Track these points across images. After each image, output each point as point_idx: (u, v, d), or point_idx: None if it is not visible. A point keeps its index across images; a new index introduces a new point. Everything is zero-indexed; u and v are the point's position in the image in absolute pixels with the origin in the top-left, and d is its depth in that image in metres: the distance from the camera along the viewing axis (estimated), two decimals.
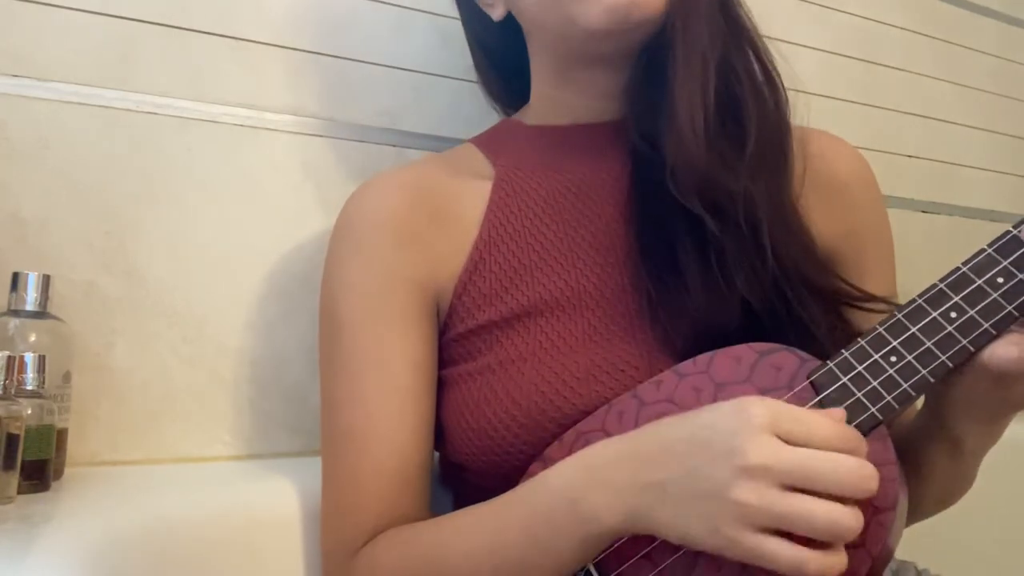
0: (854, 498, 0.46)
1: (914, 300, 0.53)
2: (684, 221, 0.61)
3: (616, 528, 0.51)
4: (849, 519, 0.45)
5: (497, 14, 0.72)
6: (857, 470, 0.46)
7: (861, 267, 0.70)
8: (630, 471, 0.51)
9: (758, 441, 0.46)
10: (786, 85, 0.69)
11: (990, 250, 0.53)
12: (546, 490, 0.55)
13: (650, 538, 0.53)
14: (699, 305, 0.60)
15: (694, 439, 0.49)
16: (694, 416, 0.51)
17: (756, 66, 0.67)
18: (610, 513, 0.51)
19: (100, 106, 0.79)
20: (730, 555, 0.47)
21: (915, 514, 0.64)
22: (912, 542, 0.68)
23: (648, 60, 0.66)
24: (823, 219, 0.68)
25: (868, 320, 0.62)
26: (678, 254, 0.62)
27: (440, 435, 0.67)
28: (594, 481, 0.52)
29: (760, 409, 0.47)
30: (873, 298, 0.63)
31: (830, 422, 0.48)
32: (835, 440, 0.47)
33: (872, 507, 0.49)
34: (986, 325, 0.51)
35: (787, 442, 0.47)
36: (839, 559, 0.46)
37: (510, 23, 0.72)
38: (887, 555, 0.50)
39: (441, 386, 0.67)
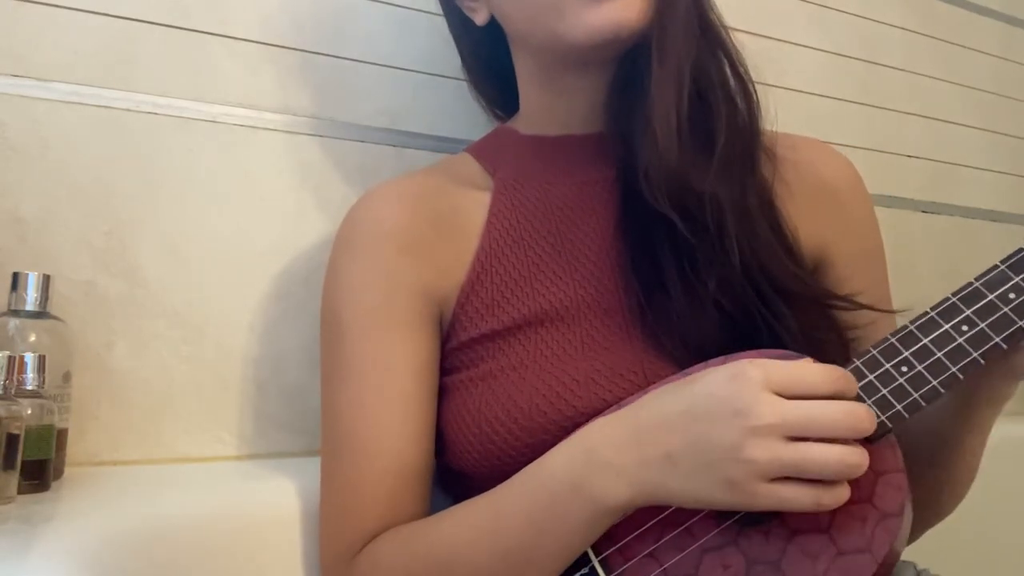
0: (851, 438, 0.49)
1: (927, 312, 0.55)
2: (663, 227, 0.62)
3: (624, 505, 0.53)
4: (854, 456, 0.49)
5: (480, 19, 0.73)
6: (852, 413, 0.49)
7: (851, 272, 0.71)
8: (631, 449, 0.52)
9: (761, 401, 0.49)
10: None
11: (1003, 266, 0.55)
12: (546, 475, 0.56)
13: (655, 536, 0.54)
14: (681, 310, 0.61)
15: (693, 409, 0.51)
16: (685, 387, 0.53)
17: (728, 71, 0.67)
18: (616, 492, 0.52)
19: (100, 106, 0.79)
20: (750, 508, 0.50)
21: (928, 517, 0.66)
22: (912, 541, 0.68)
23: (628, 65, 0.66)
24: (811, 224, 0.68)
25: (855, 321, 0.63)
26: (660, 261, 0.63)
27: (441, 442, 0.67)
28: (595, 463, 0.53)
29: (755, 370, 0.50)
30: (836, 296, 0.64)
31: (817, 367, 0.51)
32: (825, 384, 0.50)
33: (879, 513, 0.50)
34: (997, 339, 0.52)
35: (782, 395, 0.49)
36: (845, 490, 0.50)
37: (495, 28, 0.72)
38: (892, 561, 0.51)
39: (442, 394, 0.68)
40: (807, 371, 0.51)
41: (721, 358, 0.58)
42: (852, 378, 0.51)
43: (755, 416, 0.48)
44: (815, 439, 0.49)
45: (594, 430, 0.55)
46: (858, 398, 0.53)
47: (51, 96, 0.77)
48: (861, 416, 0.49)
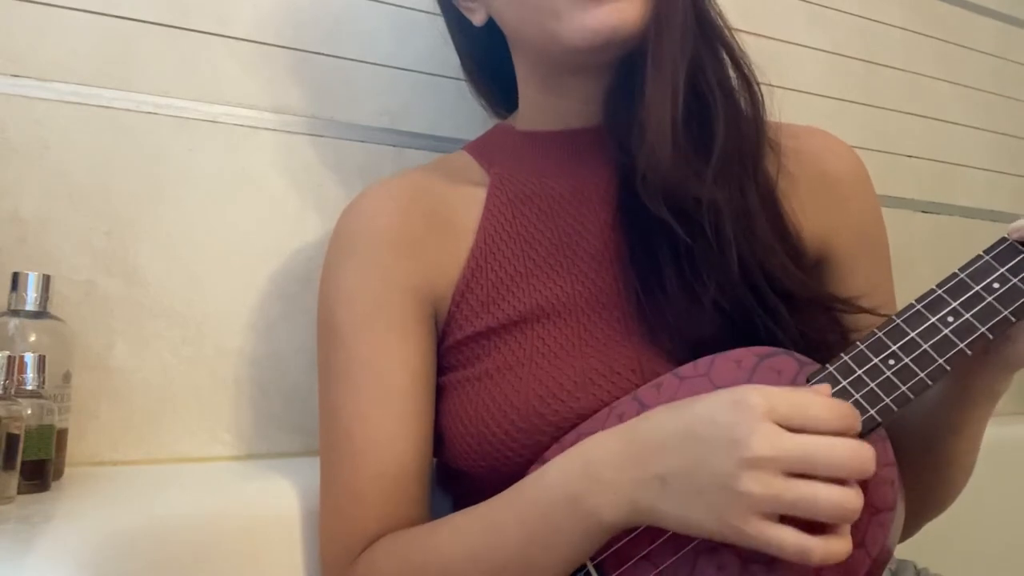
0: (853, 479, 0.47)
1: (912, 305, 0.55)
2: (663, 228, 0.62)
3: (618, 523, 0.52)
4: (852, 500, 0.46)
5: (478, 19, 0.72)
6: (855, 453, 0.47)
7: (854, 264, 0.71)
8: (628, 467, 0.52)
9: (760, 431, 0.47)
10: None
11: (987, 257, 0.55)
12: (542, 488, 0.55)
13: (650, 539, 0.54)
14: (678, 310, 0.61)
15: (691, 432, 0.50)
16: (687, 408, 0.52)
17: (731, 68, 0.67)
18: (611, 509, 0.52)
19: (100, 106, 0.79)
20: (736, 543, 0.48)
21: (925, 511, 0.66)
22: (912, 541, 0.68)
23: (626, 69, 0.66)
24: (814, 215, 0.68)
25: (856, 323, 0.63)
26: (659, 259, 0.63)
27: (439, 441, 0.67)
28: (592, 479, 0.53)
29: (757, 398, 0.48)
30: (838, 299, 0.64)
31: (823, 401, 0.49)
32: (830, 420, 0.48)
33: (871, 508, 0.50)
34: (983, 329, 0.52)
35: (785, 427, 0.47)
36: (843, 544, 0.47)
37: (493, 28, 0.72)
38: (886, 556, 0.51)
39: (439, 393, 0.68)
40: (812, 403, 0.49)
41: (710, 357, 0.57)
42: (858, 415, 0.49)
43: (753, 447, 0.46)
44: (815, 477, 0.47)
45: (593, 445, 0.55)
46: (846, 392, 0.52)
47: (51, 96, 0.77)
48: (867, 457, 0.47)
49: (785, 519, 0.47)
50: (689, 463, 0.49)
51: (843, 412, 0.49)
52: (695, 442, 0.49)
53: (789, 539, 0.46)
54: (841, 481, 0.47)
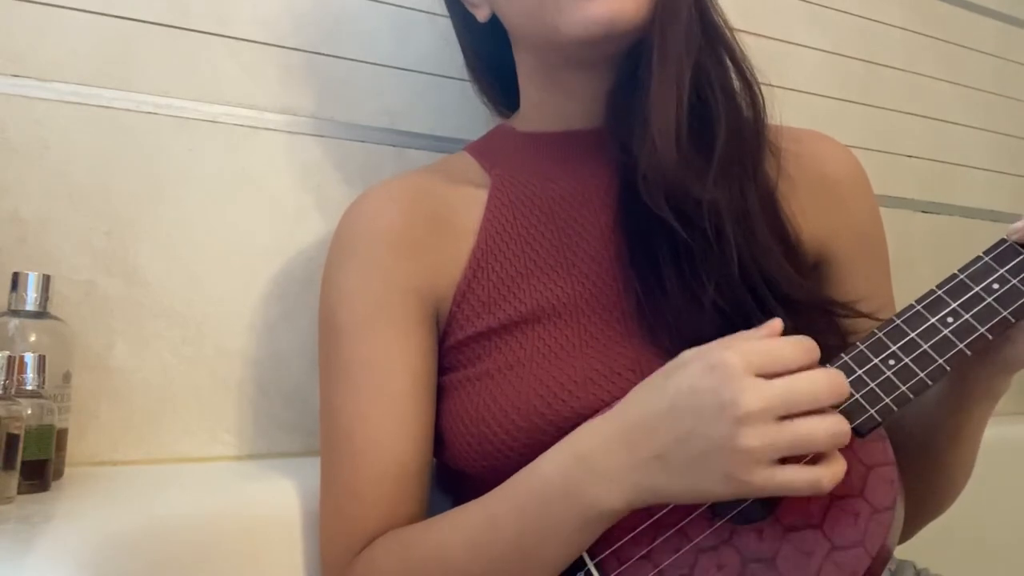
0: (833, 404, 0.49)
1: (912, 306, 0.55)
2: (662, 228, 0.62)
3: (620, 508, 0.53)
4: (839, 424, 0.49)
5: (482, 15, 0.73)
6: (831, 380, 0.49)
7: (852, 266, 0.71)
8: (621, 453, 0.52)
9: (746, 388, 0.48)
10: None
11: (987, 258, 0.55)
12: (537, 482, 0.55)
13: (650, 538, 0.54)
14: (678, 311, 0.61)
15: (676, 406, 0.51)
16: (664, 383, 0.52)
17: (732, 70, 0.67)
18: (610, 498, 0.52)
19: (100, 106, 0.79)
20: (750, 496, 0.50)
21: (925, 511, 0.67)
22: (912, 541, 0.68)
23: (628, 68, 0.66)
24: (814, 218, 0.69)
25: (855, 325, 0.63)
26: (659, 260, 0.63)
27: (439, 442, 0.67)
28: (587, 470, 0.53)
29: (732, 356, 0.49)
30: (836, 303, 0.64)
31: (786, 341, 0.51)
32: (799, 357, 0.50)
33: (871, 507, 0.50)
34: (982, 330, 0.53)
35: (762, 375, 0.49)
36: (841, 463, 0.50)
37: (497, 25, 0.72)
38: (886, 555, 0.51)
39: (440, 393, 0.68)
40: (781, 347, 0.50)
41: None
42: (816, 345, 0.51)
43: (743, 404, 0.48)
44: (801, 414, 0.49)
45: (583, 435, 0.55)
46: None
47: (51, 96, 0.77)
48: (840, 381, 0.50)
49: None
50: (683, 435, 0.50)
51: (806, 346, 0.51)
52: (683, 415, 0.50)
53: (798, 476, 0.48)
54: (819, 412, 0.49)
